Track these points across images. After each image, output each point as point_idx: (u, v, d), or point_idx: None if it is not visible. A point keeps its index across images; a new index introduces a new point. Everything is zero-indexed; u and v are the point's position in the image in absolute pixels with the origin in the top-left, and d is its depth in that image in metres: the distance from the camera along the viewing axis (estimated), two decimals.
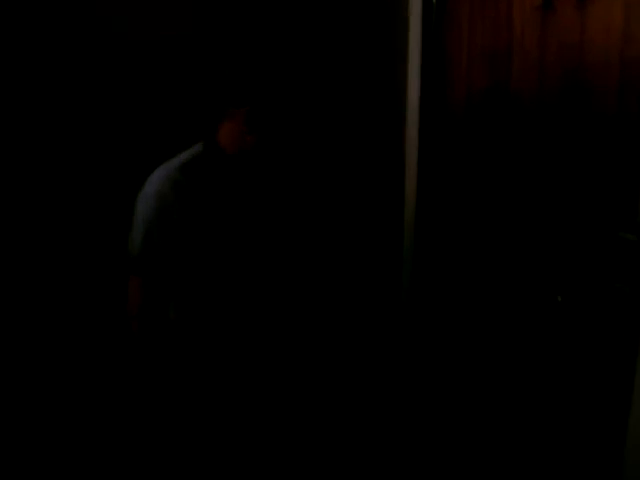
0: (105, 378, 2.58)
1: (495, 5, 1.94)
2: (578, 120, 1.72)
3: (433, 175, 2.31)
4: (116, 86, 2.47)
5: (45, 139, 2.41)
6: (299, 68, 2.58)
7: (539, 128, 1.83)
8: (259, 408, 2.36)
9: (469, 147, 2.12)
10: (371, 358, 2.64)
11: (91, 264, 2.55)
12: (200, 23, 2.48)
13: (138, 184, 1.99)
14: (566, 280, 1.77)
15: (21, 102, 2.36)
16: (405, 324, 2.48)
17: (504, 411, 2.05)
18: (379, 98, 2.45)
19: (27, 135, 2.39)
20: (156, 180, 1.93)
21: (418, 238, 2.38)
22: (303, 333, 2.66)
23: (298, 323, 2.65)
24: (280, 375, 2.51)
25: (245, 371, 2.23)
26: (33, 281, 2.49)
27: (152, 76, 2.50)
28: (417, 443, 2.32)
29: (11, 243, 2.42)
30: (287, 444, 2.29)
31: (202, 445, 2.16)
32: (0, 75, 2.30)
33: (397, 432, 2.37)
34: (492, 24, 1.96)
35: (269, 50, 2.52)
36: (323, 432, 2.37)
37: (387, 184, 2.48)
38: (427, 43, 2.21)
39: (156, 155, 2.10)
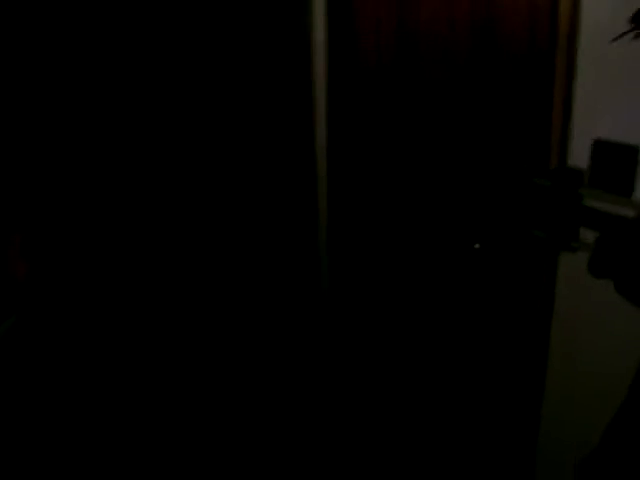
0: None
1: None
2: (489, 64, 1.67)
3: (343, 129, 2.20)
4: None
5: None
6: None
7: (450, 73, 1.77)
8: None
9: (381, 98, 2.03)
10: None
11: None
12: None
13: None
14: (483, 228, 1.77)
15: None
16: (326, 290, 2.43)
17: (424, 360, 2.08)
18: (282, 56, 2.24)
19: None
20: None
21: (332, 197, 2.29)
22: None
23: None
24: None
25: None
26: None
27: None
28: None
29: None
30: None
31: None
32: None
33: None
34: None
35: None
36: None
37: (294, 141, 2.32)
38: None
39: None
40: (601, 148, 1.48)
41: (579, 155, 1.52)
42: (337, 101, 2.13)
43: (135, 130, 1.90)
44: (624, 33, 1.28)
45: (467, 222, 1.81)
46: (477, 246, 1.76)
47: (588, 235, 1.48)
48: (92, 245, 1.87)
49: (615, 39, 1.30)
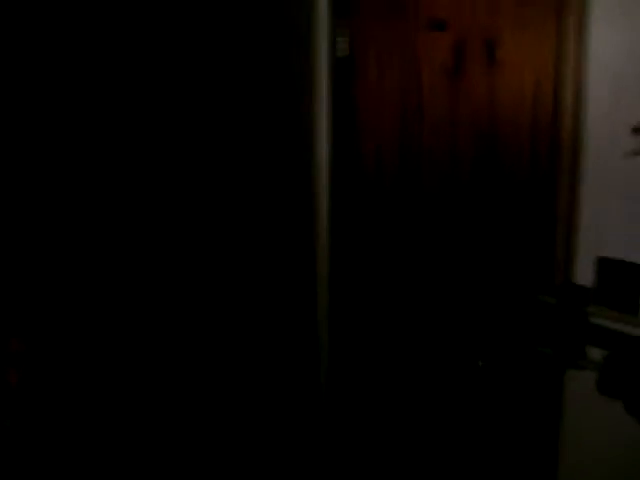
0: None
1: (403, 67, 1.93)
2: (492, 182, 1.71)
3: (345, 250, 2.23)
4: None
5: None
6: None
7: (453, 190, 1.81)
8: None
9: (384, 215, 2.07)
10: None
11: None
12: None
13: None
14: (487, 344, 1.73)
15: None
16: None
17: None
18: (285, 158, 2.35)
19: None
20: None
21: (334, 307, 2.27)
22: None
23: None
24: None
25: None
26: None
27: None
28: None
29: None
30: None
31: None
32: None
33: None
34: (401, 87, 1.94)
35: None
36: None
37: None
38: (336, 101, 2.16)
39: None
40: (606, 266, 1.47)
41: (584, 272, 1.51)
42: (340, 219, 2.17)
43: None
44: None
45: (470, 339, 1.77)
46: (481, 364, 1.71)
47: (595, 353, 1.44)
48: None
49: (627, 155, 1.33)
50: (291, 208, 2.33)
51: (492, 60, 1.67)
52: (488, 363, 1.71)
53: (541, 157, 1.58)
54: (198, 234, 2.06)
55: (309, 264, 2.24)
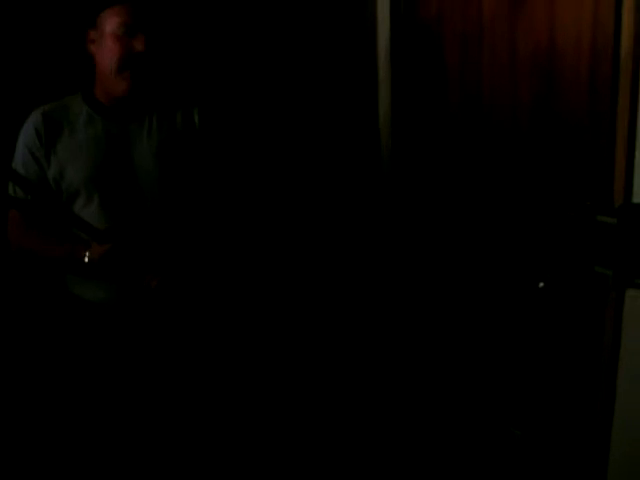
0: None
1: None
2: (550, 108, 1.72)
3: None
4: None
5: None
6: None
7: (512, 121, 1.83)
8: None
9: (445, 136, 2.11)
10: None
11: None
12: None
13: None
14: (547, 266, 1.77)
15: None
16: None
17: (483, 405, 2.05)
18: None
19: None
20: (30, 116, 1.83)
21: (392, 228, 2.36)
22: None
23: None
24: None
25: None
26: None
27: None
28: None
29: None
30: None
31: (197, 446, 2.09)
32: None
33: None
34: (462, 15, 1.95)
35: None
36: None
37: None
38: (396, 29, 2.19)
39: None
40: None
41: None
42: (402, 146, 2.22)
43: None
44: None
45: (532, 260, 1.81)
46: (542, 285, 1.75)
47: None
48: None
49: None
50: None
51: None
52: (548, 284, 1.75)
53: (599, 81, 1.57)
54: None
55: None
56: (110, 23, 1.70)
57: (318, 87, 2.49)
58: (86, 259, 1.74)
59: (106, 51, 1.72)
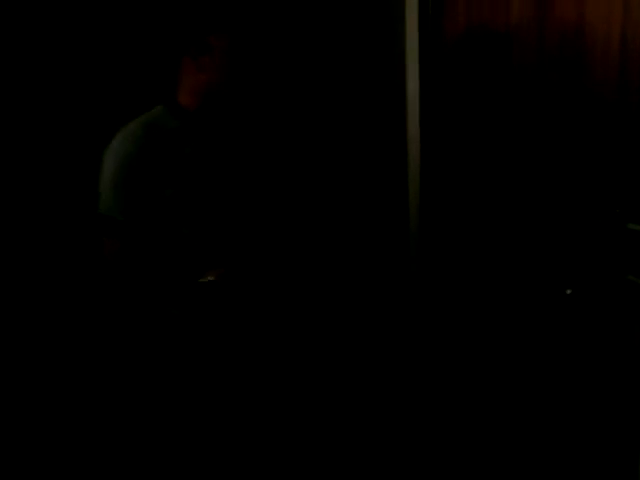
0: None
1: None
2: (579, 111, 1.70)
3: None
4: None
5: None
6: None
7: (541, 119, 1.81)
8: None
9: (475, 135, 2.09)
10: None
11: None
12: None
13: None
14: (575, 273, 1.75)
15: None
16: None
17: (509, 408, 2.04)
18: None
19: None
20: (120, 136, 1.80)
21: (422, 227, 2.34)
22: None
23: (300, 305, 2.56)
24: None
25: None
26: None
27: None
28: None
29: None
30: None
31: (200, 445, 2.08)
32: None
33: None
34: (491, 15, 1.93)
35: None
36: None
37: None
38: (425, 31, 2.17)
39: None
40: None
41: None
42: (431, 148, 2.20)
43: None
44: None
45: (560, 266, 1.80)
46: (569, 292, 1.74)
47: None
48: None
49: None
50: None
51: None
52: (576, 291, 1.74)
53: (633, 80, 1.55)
54: None
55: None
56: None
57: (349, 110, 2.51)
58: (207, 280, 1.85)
59: (189, 82, 1.86)
